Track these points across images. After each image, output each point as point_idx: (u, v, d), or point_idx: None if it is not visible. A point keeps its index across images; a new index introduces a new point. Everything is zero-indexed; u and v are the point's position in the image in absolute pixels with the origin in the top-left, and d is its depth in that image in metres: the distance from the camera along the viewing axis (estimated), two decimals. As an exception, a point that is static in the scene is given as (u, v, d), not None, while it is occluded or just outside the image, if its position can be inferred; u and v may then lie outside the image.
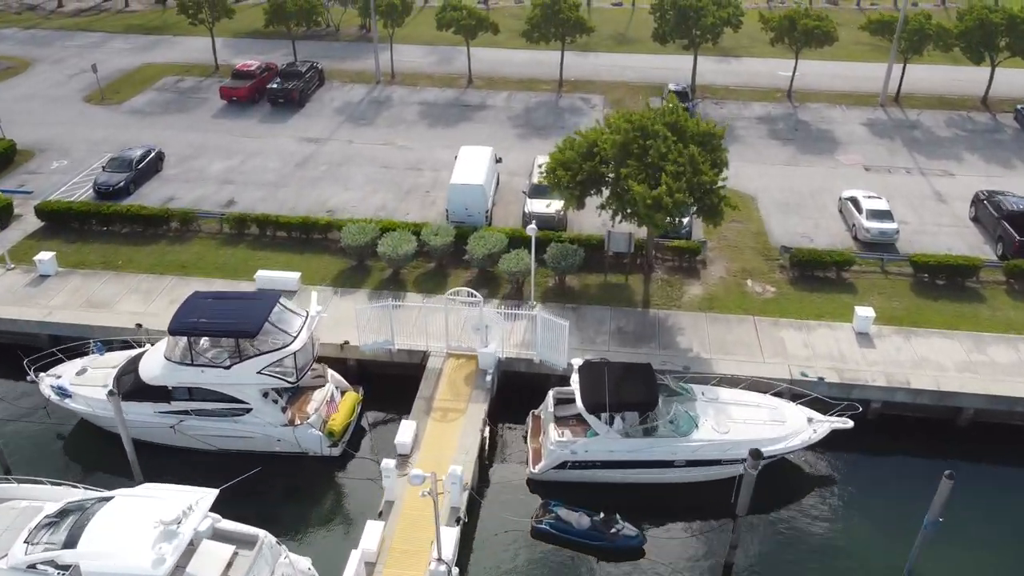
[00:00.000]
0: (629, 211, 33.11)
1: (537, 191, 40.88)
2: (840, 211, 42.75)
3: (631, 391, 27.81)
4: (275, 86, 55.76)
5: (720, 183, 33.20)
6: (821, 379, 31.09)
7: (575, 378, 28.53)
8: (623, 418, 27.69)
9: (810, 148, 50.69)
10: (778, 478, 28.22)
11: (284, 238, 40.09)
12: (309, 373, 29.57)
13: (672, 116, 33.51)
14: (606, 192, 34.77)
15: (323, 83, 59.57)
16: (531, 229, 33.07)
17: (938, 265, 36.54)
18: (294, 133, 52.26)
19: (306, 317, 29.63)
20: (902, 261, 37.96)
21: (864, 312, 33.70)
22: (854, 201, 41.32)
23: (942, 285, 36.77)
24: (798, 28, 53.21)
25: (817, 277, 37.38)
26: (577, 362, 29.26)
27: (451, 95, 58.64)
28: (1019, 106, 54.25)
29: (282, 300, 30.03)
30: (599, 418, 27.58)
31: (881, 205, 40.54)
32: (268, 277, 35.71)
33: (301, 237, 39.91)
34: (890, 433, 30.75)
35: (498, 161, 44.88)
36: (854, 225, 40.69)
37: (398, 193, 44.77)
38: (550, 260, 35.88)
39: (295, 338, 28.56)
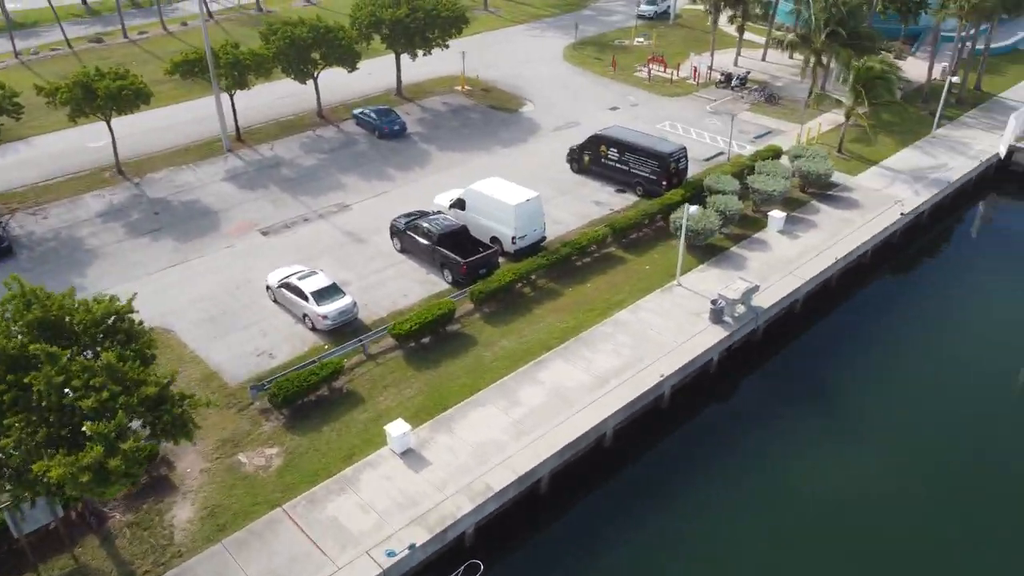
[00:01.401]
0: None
1: None
2: (277, 302, 35.17)
3: None
4: None
5: (165, 381, 22.29)
6: (412, 545, 24.23)
7: None
8: None
9: (188, 230, 41.10)
10: None
11: None
12: None
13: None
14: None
15: None
16: None
17: (419, 328, 32.26)
18: None
19: None
20: (380, 337, 32.77)
21: (397, 428, 27.51)
22: (289, 287, 34.11)
23: (432, 343, 32.88)
24: (99, 95, 41.62)
25: (309, 404, 29.72)
26: None
27: None
28: (355, 111, 53.22)
29: None
30: None
31: (322, 281, 34.17)
32: None
33: None
34: None
35: None
36: (305, 316, 33.69)
37: None
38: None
39: None
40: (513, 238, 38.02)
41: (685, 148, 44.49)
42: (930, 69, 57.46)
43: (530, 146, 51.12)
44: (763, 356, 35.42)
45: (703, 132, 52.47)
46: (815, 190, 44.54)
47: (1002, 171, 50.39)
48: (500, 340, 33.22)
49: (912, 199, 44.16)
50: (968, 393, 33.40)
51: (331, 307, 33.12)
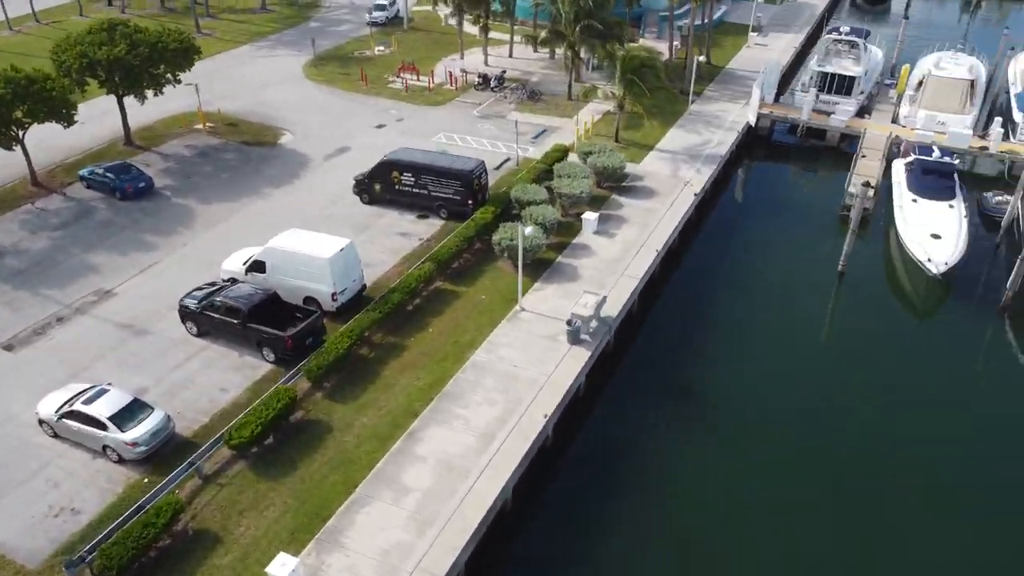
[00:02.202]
0: None
1: None
2: (59, 436, 27.52)
3: None
4: None
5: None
6: None
7: None
8: None
9: None
10: None
11: None
12: None
13: None
14: None
15: None
16: None
17: (263, 429, 26.82)
18: None
19: None
20: (214, 452, 26.84)
21: (282, 567, 22.31)
22: (75, 415, 26.72)
23: (278, 443, 27.64)
24: None
25: (148, 563, 23.41)
26: None
27: None
28: (82, 172, 44.25)
29: None
30: None
31: (118, 399, 27.12)
32: None
33: None
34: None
35: None
36: (106, 448, 26.57)
37: None
38: None
39: None
40: (333, 295, 33.38)
41: (484, 162, 42.25)
42: (671, 49, 60.55)
43: (305, 181, 45.94)
44: (619, 364, 34.47)
45: (480, 139, 50.64)
46: (611, 184, 44.62)
47: (751, 137, 54.32)
48: (358, 418, 28.81)
49: (697, 178, 45.88)
50: (796, 351, 35.25)
51: (139, 430, 26.51)
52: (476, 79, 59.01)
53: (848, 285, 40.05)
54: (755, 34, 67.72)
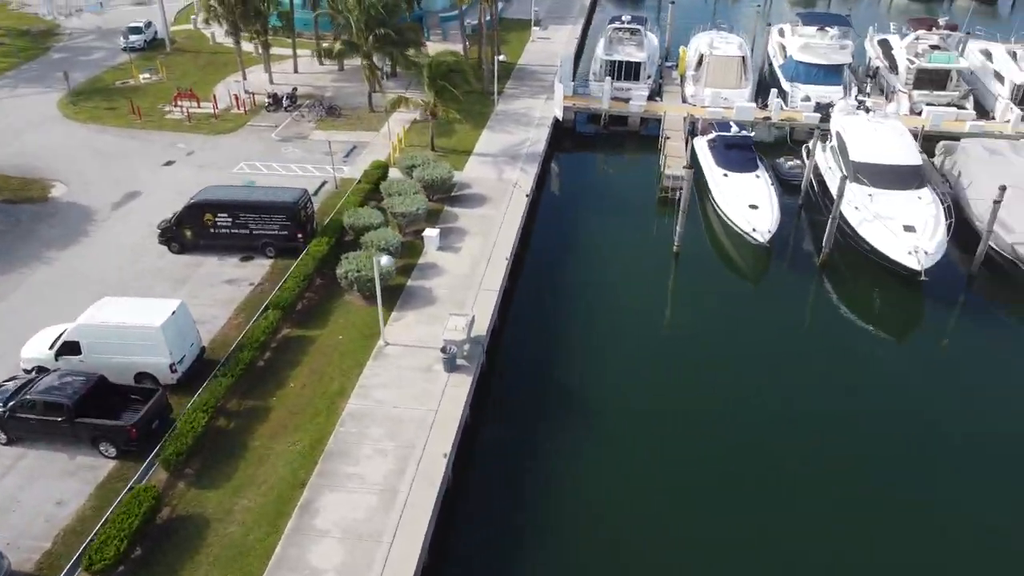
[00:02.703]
0: None
1: None
2: None
3: None
4: None
5: None
6: None
7: None
8: None
9: None
10: None
11: None
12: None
13: None
14: None
15: None
16: None
17: (130, 541, 22.64)
18: None
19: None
20: (67, 580, 22.34)
21: None
22: None
23: (149, 553, 23.49)
24: None
25: None
26: None
27: None
28: None
29: None
30: None
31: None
32: None
33: None
34: None
35: None
36: (-78, 609, 21.33)
37: None
38: None
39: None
40: (172, 366, 29.12)
41: (308, 191, 39.03)
42: (465, 50, 59.78)
43: (94, 238, 40.03)
44: (494, 383, 33.27)
45: (287, 164, 46.97)
46: (441, 196, 43.12)
47: (559, 131, 55.06)
48: (237, 502, 25.30)
49: (524, 178, 45.63)
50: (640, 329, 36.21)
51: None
52: (266, 100, 54.79)
53: (684, 264, 41.67)
54: (537, 28, 68.93)
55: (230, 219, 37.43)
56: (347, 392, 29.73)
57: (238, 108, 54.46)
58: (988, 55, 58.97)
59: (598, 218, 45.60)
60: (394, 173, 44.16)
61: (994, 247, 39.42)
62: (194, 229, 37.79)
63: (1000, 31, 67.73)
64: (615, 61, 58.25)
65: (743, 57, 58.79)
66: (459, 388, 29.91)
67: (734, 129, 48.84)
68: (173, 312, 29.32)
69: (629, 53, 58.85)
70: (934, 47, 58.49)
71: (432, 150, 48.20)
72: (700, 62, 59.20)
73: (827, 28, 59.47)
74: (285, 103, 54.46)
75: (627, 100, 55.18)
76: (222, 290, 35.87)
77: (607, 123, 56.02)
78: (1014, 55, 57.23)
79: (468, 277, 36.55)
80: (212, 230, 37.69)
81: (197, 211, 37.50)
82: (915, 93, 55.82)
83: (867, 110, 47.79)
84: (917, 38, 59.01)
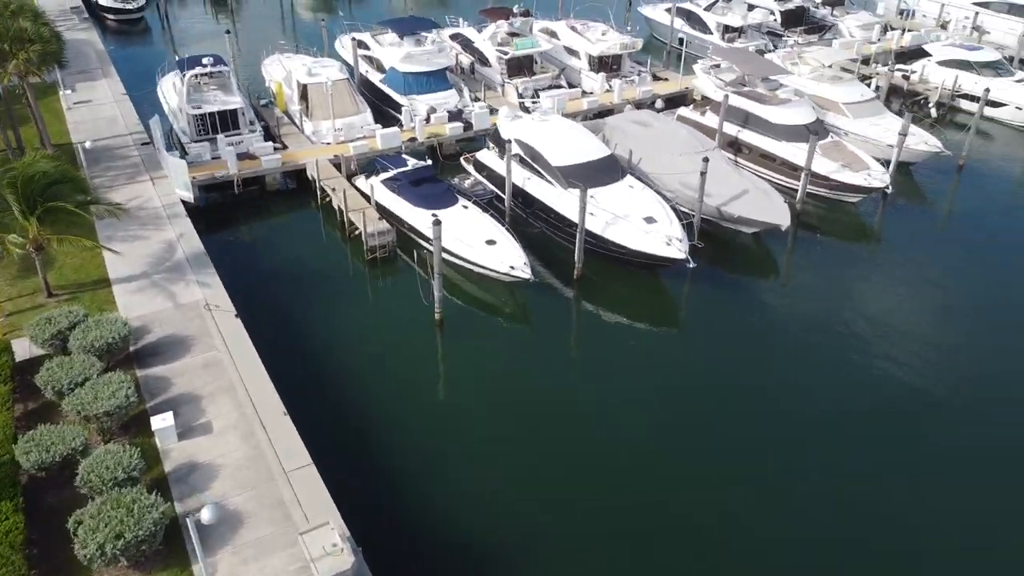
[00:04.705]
0: None
1: None
2: None
3: None
4: None
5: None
6: None
7: None
8: None
9: None
10: None
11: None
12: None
13: None
14: None
15: None
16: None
17: None
18: None
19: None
20: None
21: None
22: None
23: None
24: None
25: None
26: None
27: None
28: None
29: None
30: None
31: None
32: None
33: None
34: None
35: None
36: None
37: None
38: None
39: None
40: None
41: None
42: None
43: None
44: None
45: None
46: (117, 360, 29.90)
47: (194, 214, 42.76)
48: None
49: (212, 293, 34.14)
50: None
51: None
52: None
53: (449, 328, 35.91)
54: (68, 92, 52.77)
55: None
56: None
57: None
58: (552, 33, 62.49)
59: (329, 311, 36.81)
60: (23, 350, 29.46)
61: (705, 216, 41.28)
62: None
63: (551, 12, 71.16)
64: (205, 114, 47.73)
65: (347, 79, 52.89)
66: None
67: (412, 161, 43.50)
68: None
69: (221, 100, 48.71)
70: (512, 35, 59.92)
71: (49, 296, 33.53)
72: (304, 94, 51.62)
73: (420, 33, 56.56)
74: None
75: (254, 157, 45.62)
76: None
77: (241, 188, 45.62)
78: (575, 29, 61.60)
79: (255, 459, 25.90)
80: None
81: None
82: (517, 82, 56.60)
83: (527, 111, 46.51)
84: (498, 28, 59.81)
